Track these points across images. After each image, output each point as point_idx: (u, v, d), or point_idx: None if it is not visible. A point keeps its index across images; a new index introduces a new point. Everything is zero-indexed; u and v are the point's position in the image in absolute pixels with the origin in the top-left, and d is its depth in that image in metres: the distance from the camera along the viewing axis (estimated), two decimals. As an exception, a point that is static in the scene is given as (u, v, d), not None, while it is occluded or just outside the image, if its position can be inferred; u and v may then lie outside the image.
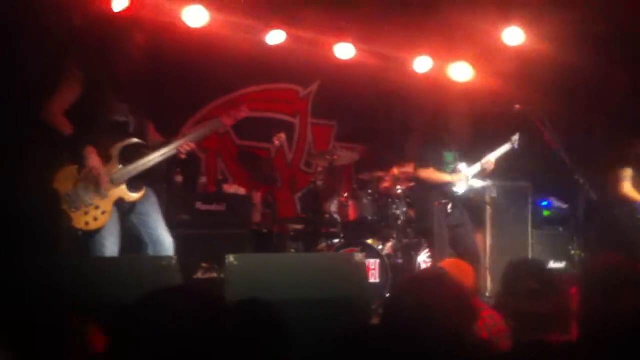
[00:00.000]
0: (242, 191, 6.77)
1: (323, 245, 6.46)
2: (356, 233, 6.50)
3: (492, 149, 6.14)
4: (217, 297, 1.72)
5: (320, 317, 3.63)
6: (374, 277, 6.06)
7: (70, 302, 3.13)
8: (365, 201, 6.63)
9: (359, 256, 4.00)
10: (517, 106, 5.68)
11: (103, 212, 4.23)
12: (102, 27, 4.73)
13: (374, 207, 6.64)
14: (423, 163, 6.02)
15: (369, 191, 6.71)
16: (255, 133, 7.47)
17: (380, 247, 6.44)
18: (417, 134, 6.10)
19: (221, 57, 6.87)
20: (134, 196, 4.39)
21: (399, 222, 6.62)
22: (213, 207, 6.22)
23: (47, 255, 4.42)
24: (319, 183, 7.03)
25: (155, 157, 4.42)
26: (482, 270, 5.98)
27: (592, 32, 6.83)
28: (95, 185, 4.19)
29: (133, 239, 4.48)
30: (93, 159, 4.15)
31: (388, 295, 5.94)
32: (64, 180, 4.17)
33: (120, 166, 4.32)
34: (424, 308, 2.44)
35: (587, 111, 7.17)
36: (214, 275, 5.88)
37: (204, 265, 5.90)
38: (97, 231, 4.21)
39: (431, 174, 5.98)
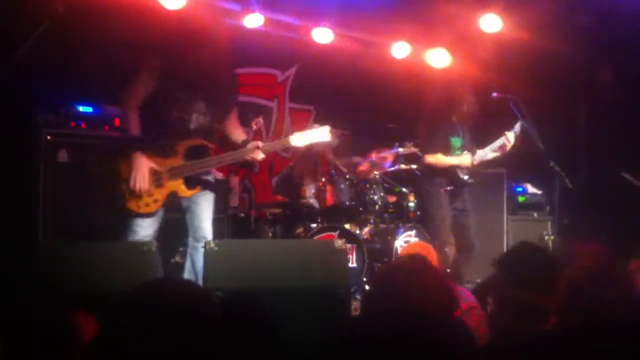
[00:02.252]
0: (219, 175, 6.72)
1: (300, 229, 6.46)
2: (334, 218, 6.52)
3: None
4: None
5: (302, 305, 3.65)
6: (351, 262, 6.09)
7: (51, 288, 3.12)
8: (342, 186, 6.65)
9: (339, 242, 4.01)
10: (495, 93, 5.72)
11: (155, 201, 4.45)
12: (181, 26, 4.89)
13: (351, 192, 6.67)
14: (429, 148, 5.99)
15: (347, 176, 6.73)
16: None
17: (358, 231, 6.48)
18: (424, 118, 6.03)
19: (200, 39, 6.78)
20: (188, 192, 4.58)
21: (377, 207, 6.66)
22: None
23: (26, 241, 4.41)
24: (297, 167, 7.03)
25: (218, 160, 4.71)
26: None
27: (570, 22, 6.87)
28: (155, 174, 4.40)
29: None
30: (137, 169, 4.34)
31: (367, 284, 6.00)
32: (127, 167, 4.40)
33: (183, 162, 4.51)
34: (406, 296, 2.46)
35: (566, 99, 7.23)
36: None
37: (180, 249, 5.88)
38: (145, 215, 4.43)
39: (438, 159, 5.95)
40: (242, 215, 6.78)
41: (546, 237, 7.18)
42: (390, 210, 6.82)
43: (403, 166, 6.81)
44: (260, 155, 4.66)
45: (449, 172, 5.97)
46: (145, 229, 4.46)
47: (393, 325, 2.10)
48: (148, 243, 3.93)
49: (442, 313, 2.42)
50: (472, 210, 6.12)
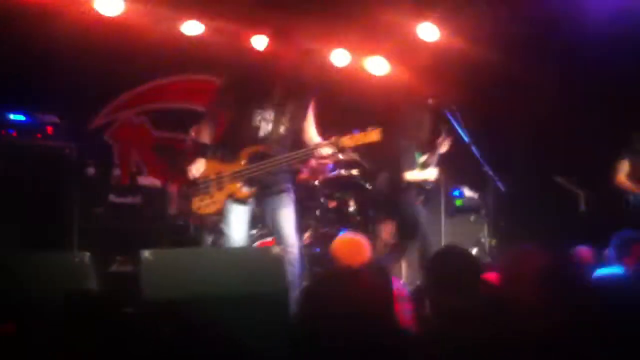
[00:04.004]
0: (157, 183, 6.67)
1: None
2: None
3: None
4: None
5: (241, 312, 3.63)
6: (291, 268, 6.08)
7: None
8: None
9: (276, 249, 4.02)
10: (430, 100, 5.82)
11: (214, 202, 4.67)
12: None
13: (292, 198, 6.67)
14: (407, 167, 6.32)
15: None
16: (172, 124, 7.37)
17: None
18: (395, 136, 6.25)
19: (139, 46, 6.73)
20: (245, 193, 4.72)
21: (317, 212, 6.68)
22: (127, 200, 6.14)
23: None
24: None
25: (275, 161, 4.72)
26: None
27: (506, 33, 7.04)
28: (217, 178, 4.65)
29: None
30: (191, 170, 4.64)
31: (303, 291, 6.01)
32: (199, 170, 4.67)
33: (244, 165, 4.68)
34: (342, 302, 2.49)
35: (501, 106, 7.41)
36: (128, 268, 5.82)
37: (118, 258, 5.81)
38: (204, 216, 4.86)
39: (415, 176, 6.32)
40: (181, 223, 6.72)
41: (483, 240, 7.35)
42: (330, 215, 6.85)
43: (343, 172, 6.86)
44: (327, 151, 4.78)
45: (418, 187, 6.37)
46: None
47: (333, 327, 2.12)
48: (80, 254, 3.86)
49: (378, 314, 2.44)
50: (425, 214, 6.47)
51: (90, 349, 2.19)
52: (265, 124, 4.74)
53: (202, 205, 4.71)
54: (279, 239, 4.82)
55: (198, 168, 4.67)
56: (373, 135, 4.69)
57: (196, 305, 3.55)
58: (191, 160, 4.69)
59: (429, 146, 6.35)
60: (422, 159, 6.39)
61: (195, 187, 4.71)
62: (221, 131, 4.85)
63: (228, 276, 3.84)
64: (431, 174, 6.37)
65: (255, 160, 4.73)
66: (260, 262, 4.00)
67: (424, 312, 2.91)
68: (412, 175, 6.30)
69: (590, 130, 7.50)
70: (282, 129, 4.78)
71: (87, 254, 3.87)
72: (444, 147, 6.41)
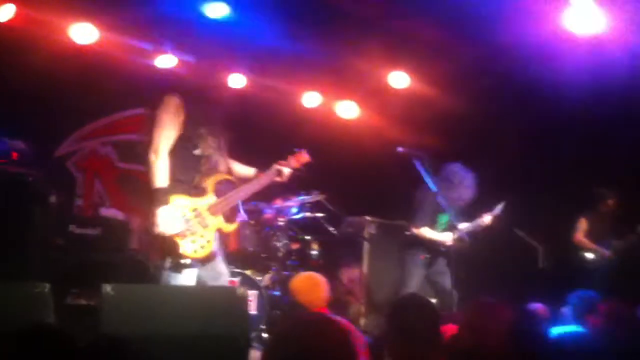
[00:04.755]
0: (119, 216, 6.57)
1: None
2: (236, 264, 6.46)
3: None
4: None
5: (201, 353, 3.57)
6: (251, 309, 6.03)
7: None
8: (247, 232, 6.62)
9: (241, 290, 3.96)
10: (400, 148, 5.86)
11: (207, 241, 4.36)
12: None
13: (255, 238, 6.64)
14: (417, 220, 6.24)
15: (251, 222, 6.70)
16: (137, 155, 7.28)
17: (259, 278, 6.43)
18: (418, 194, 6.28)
19: (110, 76, 6.70)
20: (231, 227, 4.56)
21: (280, 253, 6.65)
22: (88, 231, 6.02)
23: None
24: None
25: (246, 190, 4.58)
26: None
27: (477, 85, 7.19)
28: (198, 216, 4.32)
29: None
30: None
31: (266, 332, 5.96)
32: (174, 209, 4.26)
33: (216, 198, 4.42)
34: (306, 352, 2.46)
35: (467, 157, 7.52)
36: (83, 302, 5.69)
37: (73, 291, 5.66)
38: (203, 260, 4.37)
39: (421, 232, 6.22)
40: (141, 259, 6.61)
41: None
42: (293, 257, 6.82)
43: (308, 214, 6.86)
44: (285, 174, 4.71)
45: (429, 244, 6.24)
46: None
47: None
48: (41, 285, 3.76)
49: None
50: (448, 271, 6.27)
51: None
52: (213, 151, 4.54)
53: (197, 247, 4.32)
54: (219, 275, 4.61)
55: (170, 223, 4.26)
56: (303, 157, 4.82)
57: (154, 343, 3.50)
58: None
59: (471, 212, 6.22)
60: (447, 218, 6.23)
61: (180, 233, 4.27)
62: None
63: (190, 315, 3.78)
64: (447, 237, 6.22)
65: (223, 189, 4.54)
66: (224, 302, 3.94)
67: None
68: (427, 231, 6.23)
69: (553, 185, 7.65)
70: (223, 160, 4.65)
71: (48, 285, 3.78)
72: (486, 221, 6.26)
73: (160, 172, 4.28)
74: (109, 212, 6.60)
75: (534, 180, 7.76)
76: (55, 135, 6.63)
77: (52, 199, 5.95)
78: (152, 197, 4.27)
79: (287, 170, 4.75)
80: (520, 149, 7.64)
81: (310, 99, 7.88)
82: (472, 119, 7.46)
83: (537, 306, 5.05)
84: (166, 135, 4.33)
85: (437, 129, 7.49)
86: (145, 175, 4.39)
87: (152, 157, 4.30)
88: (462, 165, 6.34)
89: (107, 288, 3.71)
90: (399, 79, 7.63)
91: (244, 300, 3.96)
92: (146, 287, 4.31)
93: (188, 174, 4.40)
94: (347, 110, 8.01)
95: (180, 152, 4.37)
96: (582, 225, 7.75)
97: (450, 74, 7.18)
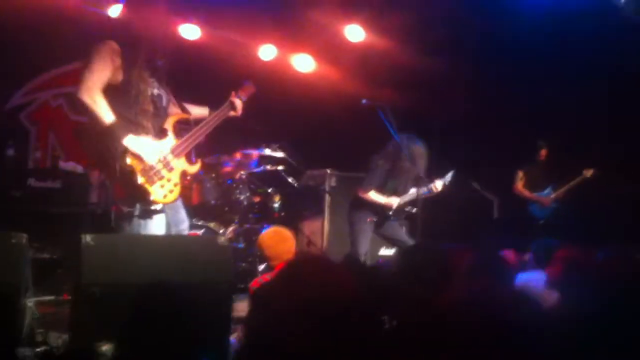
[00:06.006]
0: (79, 169, 6.41)
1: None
2: (199, 216, 6.44)
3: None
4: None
5: (184, 301, 3.57)
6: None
7: None
8: (208, 185, 6.59)
9: (222, 239, 3.98)
10: (364, 100, 5.90)
11: (175, 185, 4.26)
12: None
13: (217, 191, 6.62)
14: (366, 184, 6.13)
15: (213, 175, 6.67)
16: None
17: (222, 230, 6.44)
18: (375, 158, 6.18)
19: (65, 26, 6.47)
20: (194, 168, 4.46)
21: (242, 206, 6.66)
22: (47, 184, 5.87)
23: None
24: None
25: (206, 129, 4.45)
26: None
27: (428, 37, 7.26)
28: (162, 160, 4.20)
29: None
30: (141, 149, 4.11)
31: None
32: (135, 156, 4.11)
33: (177, 139, 4.32)
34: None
35: (423, 108, 7.61)
36: (46, 255, 5.58)
37: (35, 244, 5.54)
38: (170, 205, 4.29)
39: (369, 195, 6.09)
40: (100, 212, 6.50)
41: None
42: (255, 210, 6.84)
43: (269, 167, 6.87)
44: (238, 107, 4.69)
45: (376, 207, 6.14)
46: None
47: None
48: (18, 235, 3.68)
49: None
50: (398, 225, 6.33)
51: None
52: (163, 92, 4.46)
53: (167, 192, 4.21)
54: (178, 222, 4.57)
55: (147, 151, 4.13)
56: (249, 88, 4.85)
57: (137, 291, 3.48)
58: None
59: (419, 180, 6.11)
60: (394, 184, 6.19)
61: (146, 174, 4.15)
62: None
63: (173, 264, 3.76)
64: (393, 201, 6.13)
65: (183, 130, 4.46)
66: (206, 251, 3.93)
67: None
68: (373, 195, 6.12)
69: (501, 138, 7.84)
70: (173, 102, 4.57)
71: (25, 235, 3.69)
72: (437, 187, 6.14)
73: (103, 108, 4.04)
74: (69, 165, 6.42)
75: (490, 133, 7.90)
76: (7, 87, 6.36)
77: (10, 151, 5.79)
78: (109, 135, 4.06)
79: (238, 102, 4.73)
80: (475, 100, 7.76)
81: (266, 52, 7.81)
82: (428, 72, 7.53)
83: (508, 252, 5.20)
84: (98, 77, 4.08)
85: (392, 81, 7.54)
86: (92, 128, 4.17)
87: (87, 98, 4.04)
88: (414, 136, 6.26)
89: (87, 238, 3.65)
90: (355, 33, 7.64)
91: (227, 249, 3.97)
92: (127, 237, 4.25)
93: (130, 111, 4.20)
94: (303, 63, 7.98)
95: (118, 92, 4.16)
96: (520, 176, 8.03)
97: (405, 26, 7.22)
